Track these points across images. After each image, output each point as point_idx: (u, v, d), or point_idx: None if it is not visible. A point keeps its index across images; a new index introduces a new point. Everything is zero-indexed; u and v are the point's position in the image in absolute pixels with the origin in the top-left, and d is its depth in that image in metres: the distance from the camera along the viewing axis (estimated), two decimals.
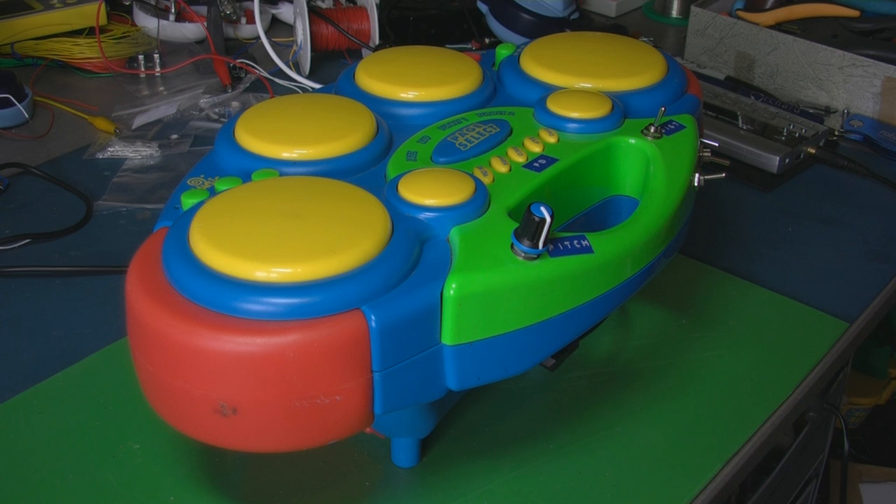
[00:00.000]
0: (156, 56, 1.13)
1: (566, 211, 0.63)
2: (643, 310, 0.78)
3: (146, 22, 1.19)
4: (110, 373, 0.71)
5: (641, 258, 0.59)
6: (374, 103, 0.66)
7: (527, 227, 0.52)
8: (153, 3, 1.19)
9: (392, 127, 0.65)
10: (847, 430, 1.00)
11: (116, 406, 0.68)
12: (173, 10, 1.18)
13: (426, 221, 0.55)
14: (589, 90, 0.68)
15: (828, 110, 1.05)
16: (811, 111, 1.04)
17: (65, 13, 1.13)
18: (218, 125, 1.03)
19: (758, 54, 1.10)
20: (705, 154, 0.68)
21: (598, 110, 0.65)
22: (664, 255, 0.62)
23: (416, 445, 0.63)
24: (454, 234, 0.55)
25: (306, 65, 1.13)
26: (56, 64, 1.13)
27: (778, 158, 0.95)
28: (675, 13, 1.35)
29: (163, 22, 1.18)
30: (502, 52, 0.75)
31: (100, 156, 0.97)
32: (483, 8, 1.17)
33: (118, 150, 0.98)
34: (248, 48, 1.17)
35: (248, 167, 0.59)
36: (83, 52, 1.12)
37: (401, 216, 0.55)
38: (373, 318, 0.49)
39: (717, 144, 0.69)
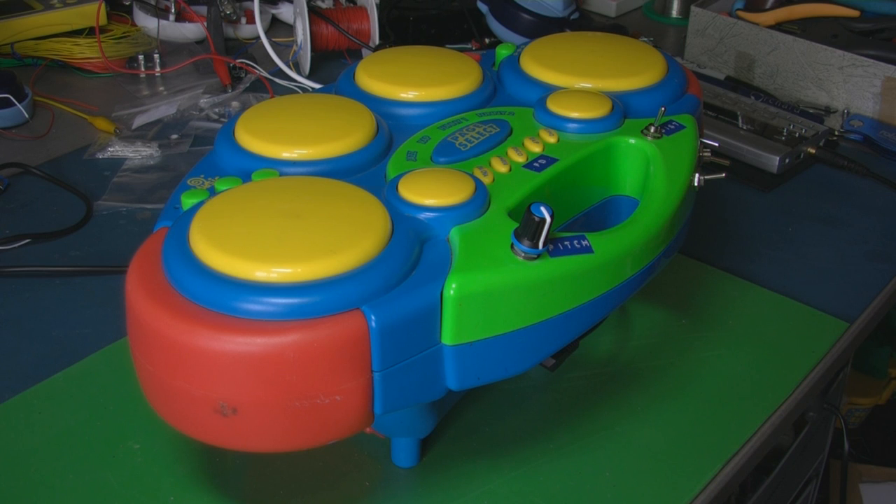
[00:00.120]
0: (156, 56, 1.13)
1: (566, 211, 0.63)
2: (643, 310, 0.78)
3: (146, 22, 1.19)
4: (110, 373, 0.71)
5: (641, 258, 0.59)
6: (374, 103, 0.66)
7: (527, 227, 0.52)
8: (153, 3, 1.19)
9: (392, 127, 0.65)
10: (847, 430, 1.00)
11: (116, 406, 0.68)
12: (173, 10, 1.18)
13: (426, 221, 0.55)
14: (589, 90, 0.68)
15: (828, 110, 1.05)
16: (811, 111, 1.04)
17: (65, 13, 1.13)
18: (218, 125, 1.03)
19: (758, 54, 1.10)
20: (705, 154, 0.68)
21: (598, 110, 0.65)
22: (664, 255, 0.62)
23: (416, 445, 0.63)
24: (454, 234, 0.55)
25: (306, 65, 1.13)
26: (56, 64, 1.13)
27: (778, 158, 0.95)
28: (675, 13, 1.35)
29: (163, 22, 1.18)
30: (502, 52, 0.75)
31: (100, 156, 0.97)
32: (483, 8, 1.17)
33: (118, 150, 0.98)
34: (248, 48, 1.17)
35: (248, 167, 0.59)
36: (83, 52, 1.12)
37: (401, 216, 0.55)
38: (373, 318, 0.49)
39: (717, 144, 0.69)
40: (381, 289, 0.50)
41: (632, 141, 0.65)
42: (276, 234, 0.51)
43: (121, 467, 0.63)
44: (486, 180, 0.59)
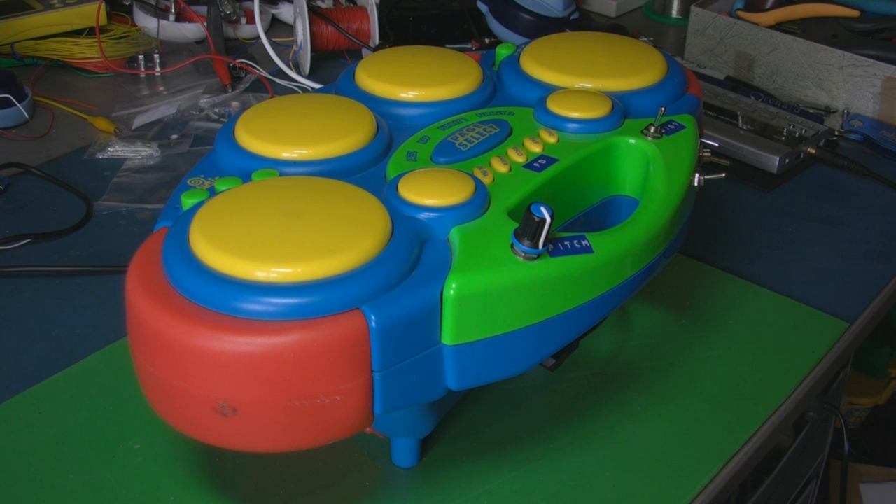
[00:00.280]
0: (156, 56, 1.13)
1: (566, 211, 0.63)
2: (643, 310, 0.78)
3: (146, 22, 1.19)
4: (110, 373, 0.71)
5: (641, 258, 0.59)
6: (374, 103, 0.66)
7: (527, 227, 0.53)
8: (153, 3, 1.19)
9: (392, 127, 0.65)
10: (847, 430, 1.00)
11: (116, 406, 0.68)
12: (173, 10, 1.18)
13: (426, 221, 0.55)
14: (589, 90, 0.68)
15: (828, 110, 1.05)
16: (811, 111, 1.04)
17: (65, 13, 1.13)
18: (218, 125, 1.03)
19: (758, 54, 1.10)
20: (705, 154, 0.68)
21: (598, 110, 0.65)
22: (664, 255, 0.62)
23: (416, 445, 0.63)
24: (454, 234, 0.55)
25: (306, 65, 1.13)
26: (56, 64, 1.13)
27: (778, 158, 0.95)
28: (675, 13, 1.35)
29: (163, 22, 1.18)
30: (502, 52, 0.75)
31: (100, 156, 0.97)
32: (483, 8, 1.17)
33: (118, 150, 0.98)
34: (248, 48, 1.17)
35: (248, 167, 0.59)
36: (83, 52, 1.12)
37: (401, 216, 0.55)
38: (373, 318, 0.49)
39: (717, 144, 0.69)
40: (381, 289, 0.50)
41: (632, 141, 0.65)
42: (276, 234, 0.51)
43: (121, 467, 0.63)
44: (486, 180, 0.59)
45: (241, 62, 1.11)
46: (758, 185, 0.95)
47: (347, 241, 0.51)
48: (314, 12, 1.12)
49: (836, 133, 1.03)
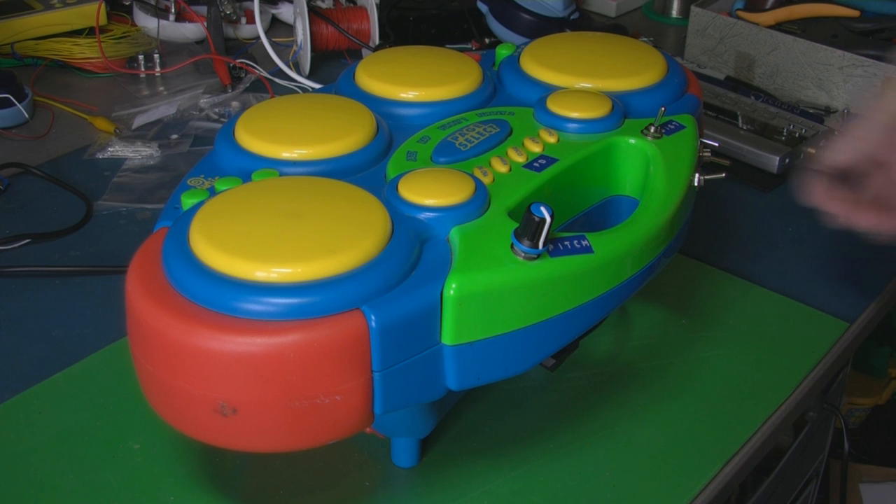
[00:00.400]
0: (156, 56, 1.13)
1: (566, 211, 0.63)
2: (643, 310, 0.78)
3: (146, 22, 1.19)
4: (110, 373, 0.71)
5: (641, 258, 0.59)
6: (374, 103, 0.66)
7: (527, 227, 0.53)
8: (153, 3, 1.19)
9: (392, 127, 0.65)
10: (847, 430, 1.00)
11: (116, 406, 0.68)
12: (173, 10, 1.18)
13: (426, 221, 0.55)
14: (589, 90, 0.68)
15: (828, 110, 1.05)
16: (811, 111, 1.04)
17: (65, 13, 1.13)
18: (218, 125, 1.03)
19: (758, 54, 1.10)
20: (705, 154, 0.68)
21: (598, 110, 0.65)
22: (664, 255, 0.62)
23: (416, 445, 0.63)
24: (454, 234, 0.55)
25: (306, 65, 1.13)
26: (56, 64, 1.13)
27: (778, 158, 0.95)
28: (675, 13, 1.35)
29: (163, 22, 1.18)
30: (502, 52, 0.75)
31: (100, 156, 0.97)
32: (483, 8, 1.17)
33: (118, 150, 0.98)
34: (248, 48, 1.17)
35: (248, 167, 0.59)
36: (83, 52, 1.12)
37: (401, 216, 0.55)
38: (373, 318, 0.49)
39: (717, 144, 0.69)
40: (381, 289, 0.50)
41: (632, 141, 0.65)
42: (276, 234, 0.51)
43: (121, 467, 0.63)
44: (486, 180, 0.59)
45: (241, 62, 1.11)
46: (758, 185, 0.95)
47: (347, 241, 0.51)
48: (314, 12, 1.12)
49: (837, 133, 1.03)
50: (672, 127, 0.66)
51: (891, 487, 1.46)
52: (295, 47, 1.15)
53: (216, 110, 1.05)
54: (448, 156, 0.61)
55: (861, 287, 0.82)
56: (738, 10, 1.13)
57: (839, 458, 1.29)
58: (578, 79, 0.70)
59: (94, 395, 0.69)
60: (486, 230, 0.55)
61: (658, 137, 0.65)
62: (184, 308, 0.49)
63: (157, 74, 1.13)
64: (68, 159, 0.97)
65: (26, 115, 1.03)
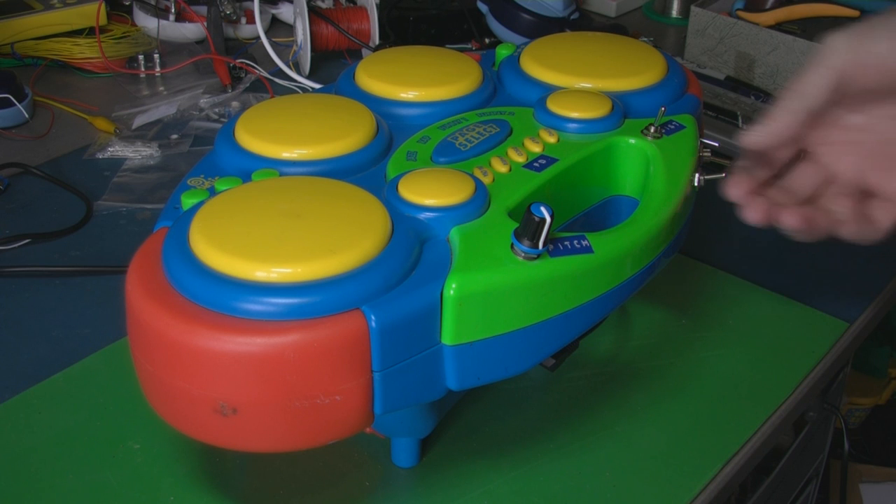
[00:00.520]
0: (156, 56, 1.13)
1: (566, 211, 0.63)
2: (643, 310, 0.78)
3: (146, 22, 1.19)
4: (110, 373, 0.71)
5: (641, 258, 0.59)
6: (374, 103, 0.66)
7: (527, 227, 0.53)
8: (153, 3, 1.19)
9: (392, 127, 0.65)
10: (847, 430, 1.00)
11: (116, 406, 0.68)
12: (173, 10, 1.18)
13: (426, 221, 0.55)
14: (589, 90, 0.68)
15: None
16: None
17: (65, 13, 1.13)
18: (218, 125, 1.03)
19: (758, 54, 1.10)
20: (705, 154, 0.68)
21: (598, 110, 0.65)
22: (664, 255, 0.62)
23: (416, 445, 0.63)
24: (454, 234, 0.55)
25: (306, 65, 1.13)
26: (56, 64, 1.13)
27: None
28: (675, 13, 1.35)
29: (163, 22, 1.18)
30: (502, 52, 0.75)
31: (100, 156, 0.97)
32: (483, 8, 1.17)
33: (118, 150, 0.98)
34: (248, 48, 1.17)
35: (248, 167, 0.59)
36: (83, 52, 1.12)
37: (401, 216, 0.55)
38: (373, 318, 0.49)
39: (717, 144, 0.69)
40: (381, 289, 0.50)
41: (632, 141, 0.65)
42: (276, 234, 0.51)
43: (121, 467, 0.63)
44: (486, 180, 0.59)
45: (241, 62, 1.11)
46: None
47: (347, 241, 0.51)
48: (314, 12, 1.12)
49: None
50: (672, 127, 0.66)
51: (891, 487, 1.46)
52: (295, 47, 1.15)
53: (216, 110, 1.05)
54: (448, 156, 0.61)
55: (861, 287, 0.82)
56: (738, 10, 1.13)
57: (839, 458, 1.29)
58: (578, 79, 0.70)
59: (94, 395, 0.69)
60: (486, 230, 0.55)
61: (658, 137, 0.65)
62: (184, 308, 0.49)
63: (157, 74, 1.13)
64: (68, 159, 0.97)
65: (26, 115, 1.03)
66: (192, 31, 1.19)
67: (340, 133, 0.61)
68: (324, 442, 0.52)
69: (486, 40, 1.17)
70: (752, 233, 0.88)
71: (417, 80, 0.68)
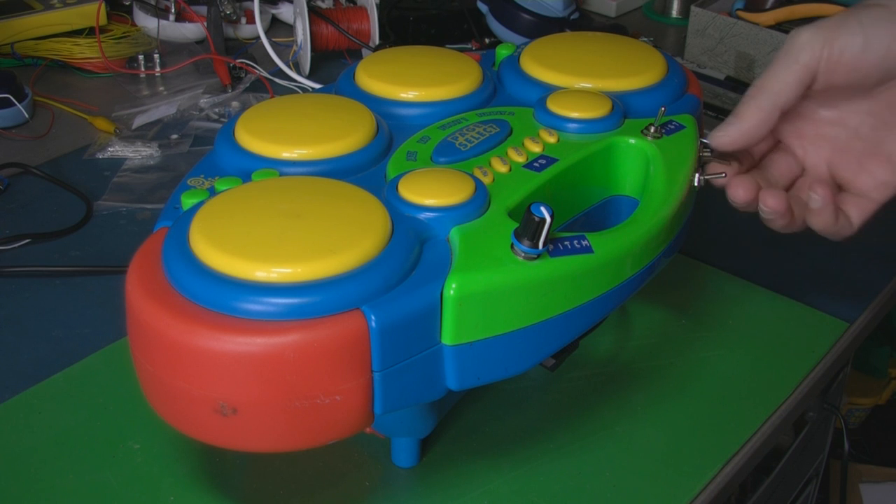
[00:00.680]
0: (156, 56, 1.13)
1: (566, 211, 0.63)
2: (643, 310, 0.78)
3: (146, 22, 1.19)
4: (110, 373, 0.71)
5: (641, 258, 0.59)
6: (374, 103, 0.66)
7: (527, 227, 0.52)
8: (153, 3, 1.19)
9: (392, 127, 0.65)
10: (847, 430, 1.00)
11: (116, 406, 0.68)
12: (173, 10, 1.18)
13: (426, 221, 0.55)
14: (589, 90, 0.68)
15: None
16: None
17: (65, 13, 1.13)
18: (218, 125, 1.03)
19: (758, 54, 1.10)
20: (705, 154, 0.68)
21: (598, 110, 0.65)
22: (664, 255, 0.62)
23: (416, 445, 0.63)
24: (454, 234, 0.55)
25: (306, 65, 1.13)
26: (56, 64, 1.13)
27: None
28: (675, 13, 1.35)
29: (163, 22, 1.18)
30: (502, 52, 0.75)
31: (100, 156, 0.97)
32: (483, 8, 1.17)
33: (118, 150, 0.98)
34: (248, 48, 1.17)
35: (248, 167, 0.59)
36: (83, 52, 1.12)
37: (401, 216, 0.55)
38: (373, 318, 0.49)
39: None
40: (381, 289, 0.50)
41: (632, 141, 0.65)
42: (276, 234, 0.51)
43: (121, 467, 0.63)
44: (486, 180, 0.59)
45: (241, 62, 1.11)
46: None
47: (347, 241, 0.51)
48: (314, 12, 1.12)
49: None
50: (672, 127, 0.66)
51: (891, 487, 1.46)
52: (295, 47, 1.15)
53: (216, 110, 1.05)
54: (448, 156, 0.61)
55: (861, 287, 0.82)
56: (738, 10, 1.13)
57: (839, 458, 1.29)
58: (578, 79, 0.70)
59: (94, 395, 0.69)
60: (486, 230, 0.55)
61: (658, 137, 0.65)
62: (184, 308, 0.49)
63: (157, 74, 1.13)
64: (68, 159, 0.97)
65: (26, 115, 1.03)
66: (192, 31, 1.19)
67: (340, 133, 0.61)
68: (324, 442, 0.52)
69: (486, 40, 1.17)
70: (753, 233, 0.88)
71: (417, 80, 0.68)
